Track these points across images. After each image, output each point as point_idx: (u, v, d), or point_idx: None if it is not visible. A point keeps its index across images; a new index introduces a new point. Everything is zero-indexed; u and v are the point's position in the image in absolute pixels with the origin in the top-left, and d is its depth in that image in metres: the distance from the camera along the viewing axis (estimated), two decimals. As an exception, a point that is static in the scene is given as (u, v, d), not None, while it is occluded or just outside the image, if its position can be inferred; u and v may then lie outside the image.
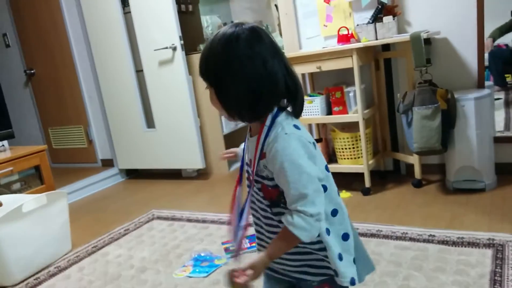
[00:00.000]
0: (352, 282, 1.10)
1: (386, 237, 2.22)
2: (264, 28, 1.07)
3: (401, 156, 3.03)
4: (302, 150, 1.00)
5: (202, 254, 2.32)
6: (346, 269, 1.09)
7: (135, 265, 2.36)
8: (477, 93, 2.57)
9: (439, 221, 2.31)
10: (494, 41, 2.79)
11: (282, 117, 1.05)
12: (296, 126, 1.04)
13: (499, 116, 2.89)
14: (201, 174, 4.00)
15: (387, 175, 3.14)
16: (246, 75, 1.00)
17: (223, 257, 2.27)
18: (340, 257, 1.08)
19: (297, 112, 1.08)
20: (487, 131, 2.61)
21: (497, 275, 1.74)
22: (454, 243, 2.04)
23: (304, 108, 1.12)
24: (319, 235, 1.06)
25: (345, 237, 1.10)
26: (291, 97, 1.06)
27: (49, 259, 2.53)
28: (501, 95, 2.97)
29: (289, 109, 1.10)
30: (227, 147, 3.90)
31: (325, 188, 1.06)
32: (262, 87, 1.01)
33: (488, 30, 2.69)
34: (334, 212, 1.09)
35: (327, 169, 1.10)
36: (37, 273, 2.43)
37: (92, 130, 4.46)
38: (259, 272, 1.07)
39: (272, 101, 1.05)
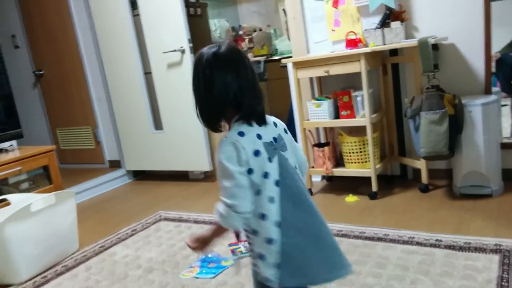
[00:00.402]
0: (266, 280, 1.18)
1: (393, 241, 2.23)
2: (230, 48, 1.19)
3: (408, 161, 3.03)
4: (232, 153, 1.13)
5: (209, 255, 2.32)
6: (263, 269, 1.19)
7: (142, 265, 2.38)
8: (484, 99, 2.57)
9: (446, 226, 2.32)
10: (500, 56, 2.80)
11: (237, 123, 1.18)
12: (240, 133, 1.15)
13: (506, 123, 2.89)
14: (208, 176, 4.01)
15: (394, 180, 3.15)
16: (200, 93, 1.18)
17: (230, 259, 2.29)
18: (261, 257, 1.19)
19: (249, 122, 1.18)
20: (494, 137, 2.61)
21: (504, 280, 1.74)
22: (461, 248, 2.04)
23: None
24: (254, 232, 1.19)
25: (269, 241, 1.17)
26: (240, 109, 1.17)
27: (57, 258, 2.55)
28: (508, 101, 2.97)
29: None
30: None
31: (259, 192, 1.15)
32: (212, 104, 1.17)
33: (495, 36, 2.69)
34: (262, 216, 1.16)
35: (266, 176, 1.17)
36: (44, 272, 2.45)
37: (100, 131, 4.49)
38: (201, 245, 1.28)
39: (219, 115, 1.20)
